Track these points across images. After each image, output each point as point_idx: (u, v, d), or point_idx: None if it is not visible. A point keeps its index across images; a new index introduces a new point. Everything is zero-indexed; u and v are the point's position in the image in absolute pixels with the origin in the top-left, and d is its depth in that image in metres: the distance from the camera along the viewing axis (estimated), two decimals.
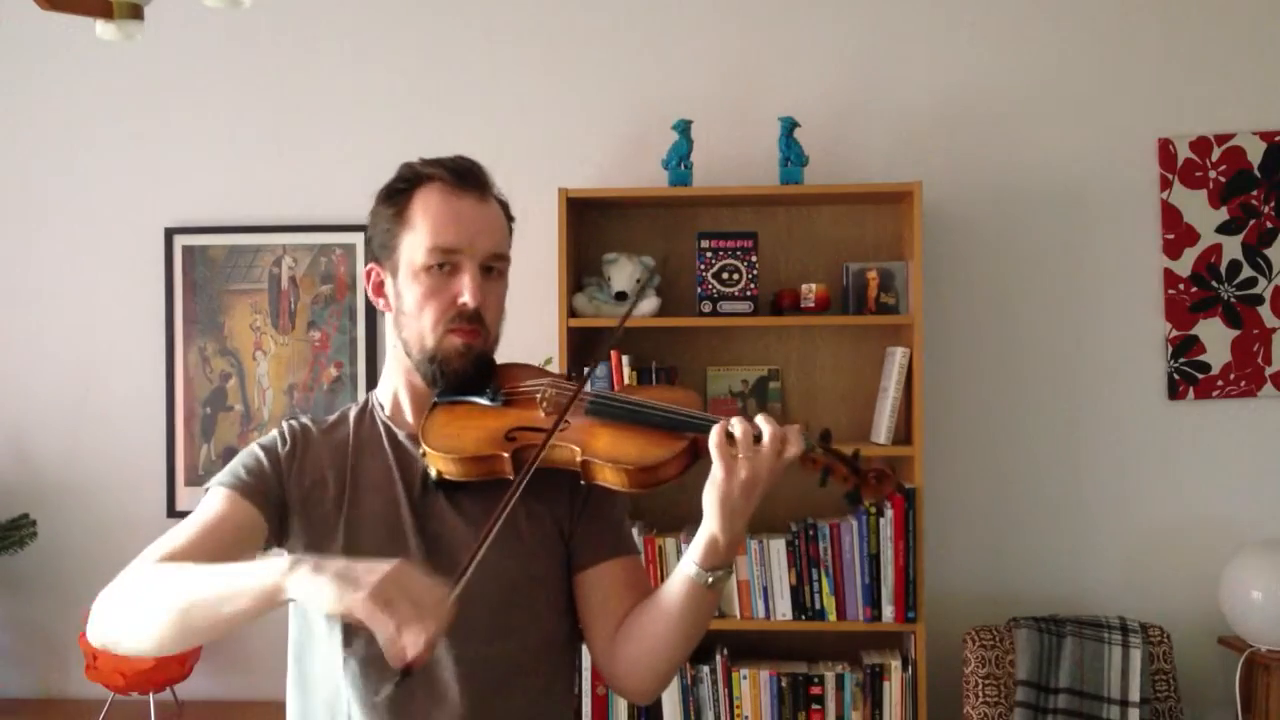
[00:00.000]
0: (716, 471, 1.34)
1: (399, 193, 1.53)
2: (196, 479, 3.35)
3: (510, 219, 1.59)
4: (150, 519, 3.31)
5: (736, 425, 1.34)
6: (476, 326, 1.50)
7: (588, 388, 1.48)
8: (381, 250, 1.54)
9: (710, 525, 1.36)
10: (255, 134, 3.38)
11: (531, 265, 3.12)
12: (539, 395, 1.50)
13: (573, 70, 3.31)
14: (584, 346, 3.12)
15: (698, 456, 1.39)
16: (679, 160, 3.06)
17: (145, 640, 1.33)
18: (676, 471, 1.40)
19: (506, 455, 1.44)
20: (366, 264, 1.59)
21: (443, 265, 1.49)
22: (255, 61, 3.38)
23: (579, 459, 1.42)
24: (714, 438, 1.33)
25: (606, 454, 1.41)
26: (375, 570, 1.18)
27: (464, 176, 1.53)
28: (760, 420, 1.34)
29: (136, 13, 1.97)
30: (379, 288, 1.57)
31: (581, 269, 3.18)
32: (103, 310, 3.41)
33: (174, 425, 3.37)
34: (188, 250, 3.37)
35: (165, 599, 1.30)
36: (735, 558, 1.41)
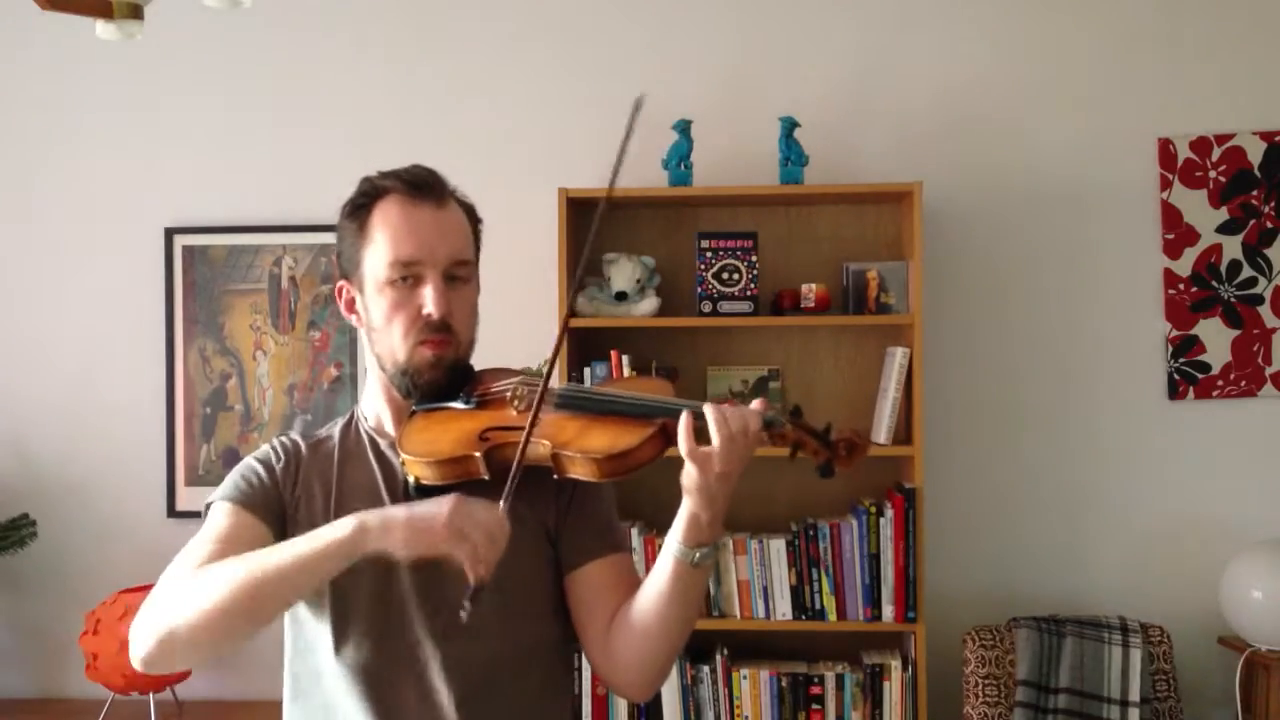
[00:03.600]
0: (687, 463, 1.35)
1: (360, 208, 1.53)
2: (196, 479, 3.35)
3: (477, 221, 1.58)
4: (150, 519, 3.31)
5: (706, 414, 1.34)
6: (445, 336, 1.50)
7: (560, 384, 1.49)
8: (348, 266, 1.55)
9: (690, 506, 1.37)
10: (255, 134, 3.38)
11: (531, 265, 3.13)
12: (509, 394, 1.51)
13: (573, 70, 3.31)
14: (584, 346, 3.12)
15: (669, 441, 1.39)
16: (679, 160, 3.06)
17: (210, 634, 1.33)
18: (648, 457, 1.40)
19: (479, 455, 1.44)
20: (337, 281, 1.59)
21: (405, 278, 1.49)
22: (255, 61, 3.38)
23: (549, 452, 1.42)
24: (681, 431, 1.34)
25: (575, 445, 1.41)
26: (438, 508, 1.30)
27: (420, 186, 1.51)
28: (722, 407, 1.34)
29: (136, 13, 1.98)
30: (350, 304, 1.57)
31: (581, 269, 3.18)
32: (103, 310, 3.41)
33: (174, 425, 3.37)
34: (188, 250, 3.37)
35: (230, 585, 1.31)
36: (719, 535, 1.40)
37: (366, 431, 1.59)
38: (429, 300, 1.48)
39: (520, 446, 1.40)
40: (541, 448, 1.42)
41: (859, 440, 1.38)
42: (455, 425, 1.49)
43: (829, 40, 3.27)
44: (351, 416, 1.63)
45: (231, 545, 1.42)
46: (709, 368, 3.21)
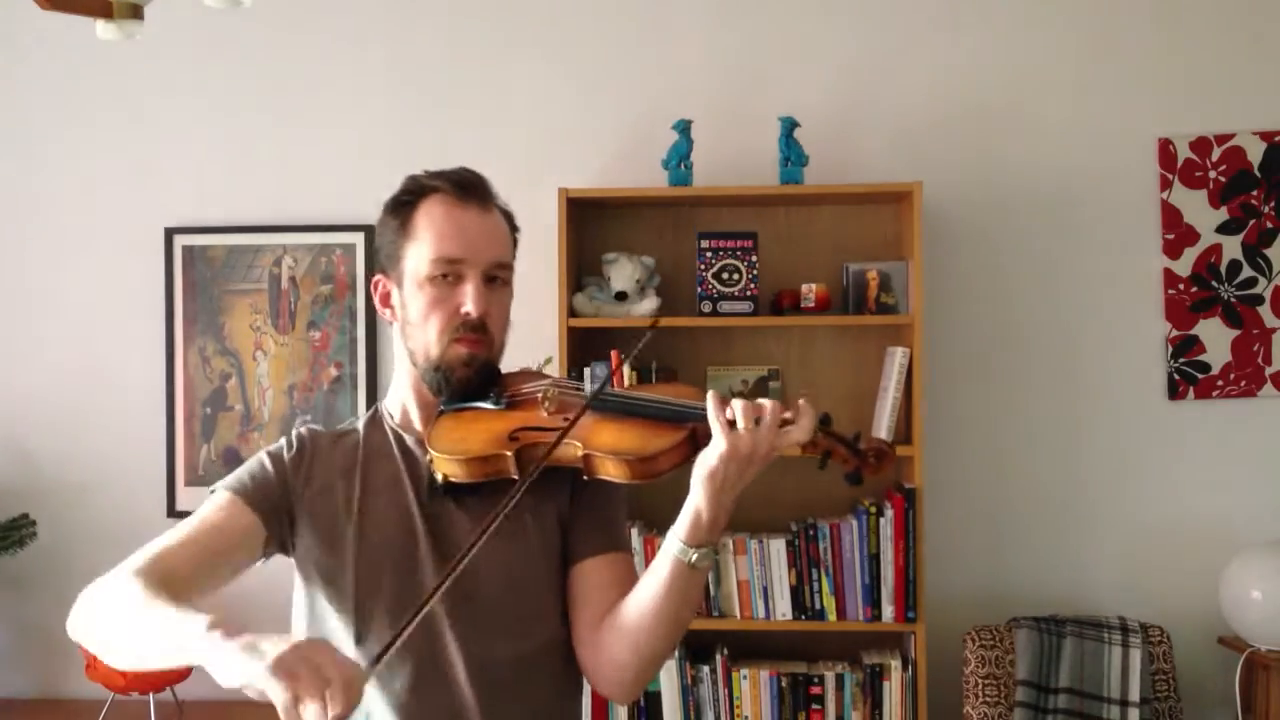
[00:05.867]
0: (716, 444, 1.34)
1: (404, 205, 1.55)
2: (196, 479, 3.35)
3: (515, 229, 1.61)
4: (150, 519, 3.31)
5: (739, 401, 1.35)
6: (481, 336, 1.51)
7: (586, 386, 1.50)
8: (387, 261, 1.57)
9: (696, 499, 1.37)
10: (255, 134, 3.38)
11: (531, 265, 3.12)
12: (540, 395, 1.52)
13: (573, 70, 3.31)
14: (584, 346, 3.12)
15: (698, 445, 1.39)
16: (679, 160, 3.06)
17: (109, 656, 1.36)
18: (678, 460, 1.41)
19: (510, 455, 1.45)
20: (374, 275, 1.60)
21: (446, 276, 1.51)
22: (255, 61, 3.38)
23: (580, 454, 1.43)
24: (714, 411, 1.34)
25: (607, 447, 1.42)
26: (285, 642, 1.16)
27: (467, 188, 1.54)
28: (764, 400, 1.35)
29: (136, 13, 1.97)
30: (386, 298, 1.59)
31: (581, 269, 3.18)
32: (103, 310, 3.41)
33: (174, 425, 3.37)
34: (188, 250, 3.37)
35: (125, 623, 1.32)
36: (719, 537, 1.40)
37: (391, 428, 1.60)
38: (469, 299, 1.50)
39: (549, 448, 1.41)
40: (573, 449, 1.43)
41: (887, 448, 1.39)
42: (485, 425, 1.50)
43: (829, 40, 3.27)
44: (376, 412, 1.64)
45: (208, 538, 1.45)
46: (709, 368, 3.21)
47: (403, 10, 3.35)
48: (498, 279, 1.54)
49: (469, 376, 1.52)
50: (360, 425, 1.62)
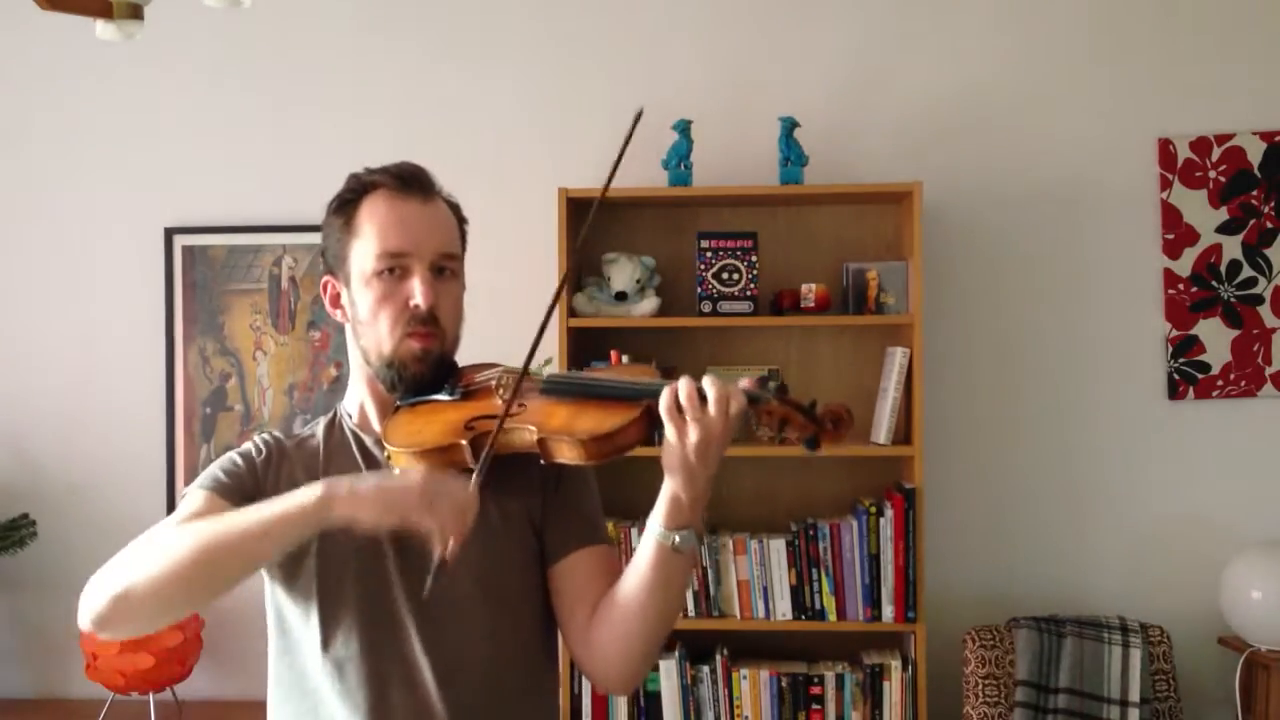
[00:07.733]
0: (669, 434, 1.33)
1: (347, 203, 1.54)
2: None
3: (463, 220, 1.59)
4: (150, 519, 3.25)
5: (683, 388, 1.33)
6: (432, 329, 1.49)
7: (544, 373, 1.49)
8: (334, 261, 1.55)
9: (671, 485, 1.36)
10: (255, 134, 3.38)
11: (531, 265, 3.13)
12: (494, 383, 1.51)
13: (573, 70, 3.31)
14: (584, 346, 3.12)
15: (654, 422, 1.38)
16: (679, 160, 3.06)
17: (165, 595, 1.34)
18: (634, 438, 1.40)
19: (464, 443, 1.43)
20: (322, 277, 1.59)
21: (392, 270, 1.49)
22: (255, 61, 3.38)
23: (535, 438, 1.41)
24: (663, 402, 1.33)
25: (562, 429, 1.40)
26: (407, 480, 1.32)
27: (408, 181, 1.52)
28: (705, 382, 1.33)
29: (136, 13, 1.98)
30: (335, 299, 1.57)
31: (581, 269, 3.18)
32: (103, 310, 3.41)
33: (174, 425, 3.37)
34: (188, 250, 3.37)
35: (190, 546, 1.32)
36: (700, 518, 1.39)
37: (350, 429, 1.59)
38: (416, 291, 1.48)
39: (496, 424, 1.40)
40: (528, 434, 1.42)
41: (844, 414, 1.37)
42: (440, 416, 1.49)
43: (829, 40, 3.27)
44: (334, 415, 1.63)
45: None
46: (709, 368, 3.20)
47: (403, 10, 3.35)
48: (446, 270, 1.52)
49: (422, 371, 1.50)
50: (319, 429, 1.61)
